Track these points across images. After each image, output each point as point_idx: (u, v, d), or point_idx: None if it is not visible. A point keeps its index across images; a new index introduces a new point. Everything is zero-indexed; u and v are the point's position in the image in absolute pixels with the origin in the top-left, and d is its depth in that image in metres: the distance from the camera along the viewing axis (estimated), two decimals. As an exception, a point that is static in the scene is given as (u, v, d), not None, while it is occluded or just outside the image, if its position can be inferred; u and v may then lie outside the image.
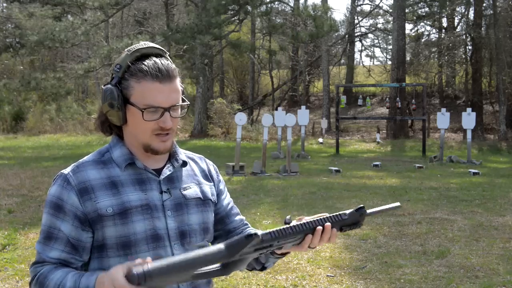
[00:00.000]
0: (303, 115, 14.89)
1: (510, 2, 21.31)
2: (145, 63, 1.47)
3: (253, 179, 10.36)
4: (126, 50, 1.51)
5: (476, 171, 11.24)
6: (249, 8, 19.25)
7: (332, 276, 4.72)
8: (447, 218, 6.91)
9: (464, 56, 25.55)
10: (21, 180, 10.10)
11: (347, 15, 33.27)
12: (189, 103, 1.56)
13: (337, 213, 1.50)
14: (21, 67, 26.80)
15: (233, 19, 21.39)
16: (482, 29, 22.54)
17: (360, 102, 23.46)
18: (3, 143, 19.20)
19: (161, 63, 1.49)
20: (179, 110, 1.53)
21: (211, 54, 21.19)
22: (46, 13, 20.03)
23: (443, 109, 14.64)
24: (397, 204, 1.61)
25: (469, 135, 13.98)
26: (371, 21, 33.05)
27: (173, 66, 1.51)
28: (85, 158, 1.58)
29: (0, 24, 25.62)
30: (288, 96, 29.95)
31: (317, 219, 1.48)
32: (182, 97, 1.53)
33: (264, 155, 11.39)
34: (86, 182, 1.49)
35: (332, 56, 30.40)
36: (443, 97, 26.59)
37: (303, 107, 16.24)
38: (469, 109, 14.29)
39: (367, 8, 31.71)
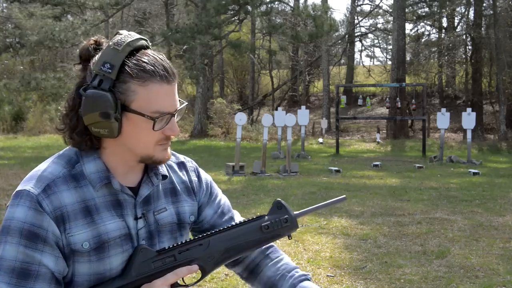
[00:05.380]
0: (303, 115, 14.88)
1: (510, 2, 21.31)
2: (146, 60, 1.20)
3: (253, 179, 10.36)
4: (111, 44, 1.20)
5: (476, 171, 11.23)
6: (249, 8, 19.26)
7: (332, 276, 4.72)
8: (447, 218, 6.91)
9: (464, 56, 25.56)
10: (21, 180, 10.07)
11: (347, 15, 33.27)
12: (187, 103, 1.32)
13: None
14: (21, 67, 26.79)
15: (233, 19, 21.40)
16: (482, 29, 22.55)
17: (360, 102, 23.44)
18: (3, 143, 19.20)
19: (162, 59, 1.23)
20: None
21: (211, 54, 21.19)
22: (46, 13, 20.05)
23: (443, 109, 14.64)
24: (343, 196, 1.52)
25: (469, 135, 13.98)
26: (371, 21, 33.12)
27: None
28: (53, 168, 1.27)
29: (0, 24, 25.64)
30: (288, 96, 29.96)
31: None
32: None
33: (264, 155, 11.39)
34: (62, 208, 1.20)
35: (332, 56, 30.40)
36: (443, 97, 26.58)
37: (303, 107, 16.24)
38: (469, 109, 14.28)
39: (367, 8, 31.76)
